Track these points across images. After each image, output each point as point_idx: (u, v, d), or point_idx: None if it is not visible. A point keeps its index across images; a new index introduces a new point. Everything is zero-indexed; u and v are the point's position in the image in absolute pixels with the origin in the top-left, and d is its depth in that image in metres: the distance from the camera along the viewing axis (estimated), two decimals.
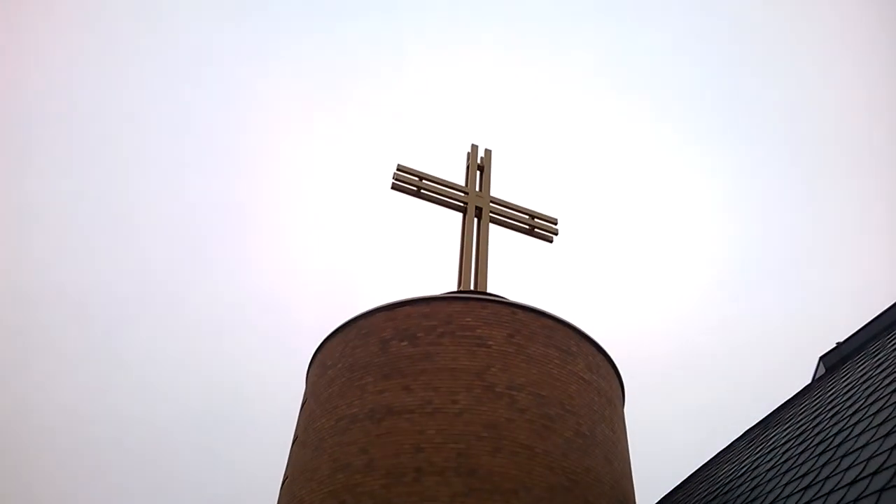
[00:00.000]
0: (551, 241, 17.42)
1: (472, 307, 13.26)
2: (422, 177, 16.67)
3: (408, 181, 16.61)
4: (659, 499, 10.42)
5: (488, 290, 14.90)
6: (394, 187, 16.55)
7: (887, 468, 5.28)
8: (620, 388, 14.63)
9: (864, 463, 5.67)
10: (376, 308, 13.62)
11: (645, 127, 48.81)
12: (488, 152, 18.05)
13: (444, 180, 16.85)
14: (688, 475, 10.00)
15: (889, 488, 4.97)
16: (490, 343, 12.64)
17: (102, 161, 41.97)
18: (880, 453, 5.59)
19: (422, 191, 16.62)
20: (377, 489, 11.13)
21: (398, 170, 16.61)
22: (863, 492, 5.25)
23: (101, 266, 41.98)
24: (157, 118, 44.37)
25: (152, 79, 43.35)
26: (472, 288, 15.14)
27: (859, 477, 5.53)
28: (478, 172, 17.67)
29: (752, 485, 7.14)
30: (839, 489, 5.59)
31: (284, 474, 13.22)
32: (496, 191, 17.34)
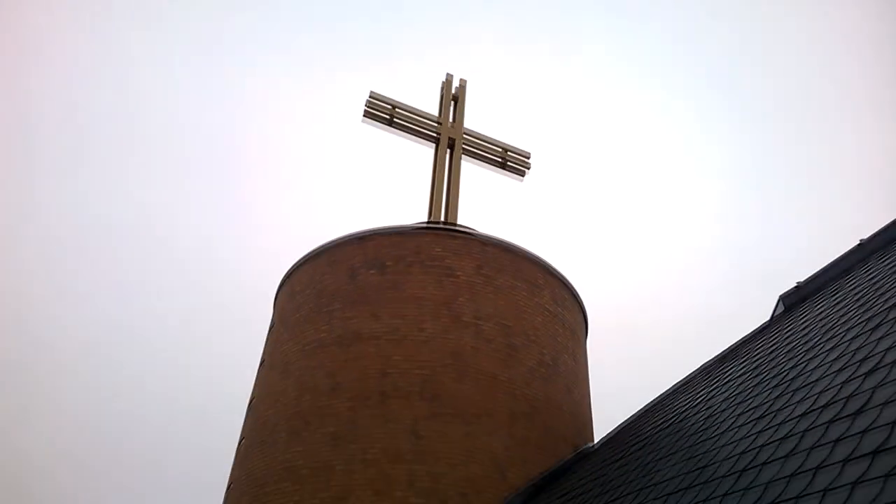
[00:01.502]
0: (523, 176, 17.40)
1: (441, 239, 13.30)
2: (395, 106, 16.41)
3: (380, 109, 16.34)
4: (616, 427, 10.80)
5: (458, 223, 14.92)
6: (366, 115, 16.29)
7: (836, 402, 5.50)
8: (584, 322, 14.93)
9: (815, 397, 5.91)
10: (346, 237, 13.59)
11: (624, 66, 48.43)
12: (463, 83, 17.77)
13: (418, 110, 16.61)
14: (644, 407, 10.34)
15: (837, 420, 5.20)
16: (458, 274, 12.74)
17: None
18: (831, 388, 5.82)
19: (394, 120, 16.38)
20: (343, 411, 11.34)
21: (371, 98, 16.32)
22: (812, 423, 5.48)
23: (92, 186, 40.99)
24: (142, 51, 42.74)
25: None
26: (442, 220, 15.14)
27: (809, 410, 5.76)
28: (452, 103, 17.43)
29: (706, 415, 7.41)
30: (789, 420, 5.82)
31: (251, 395, 13.38)
32: (470, 123, 17.17)
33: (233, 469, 12.56)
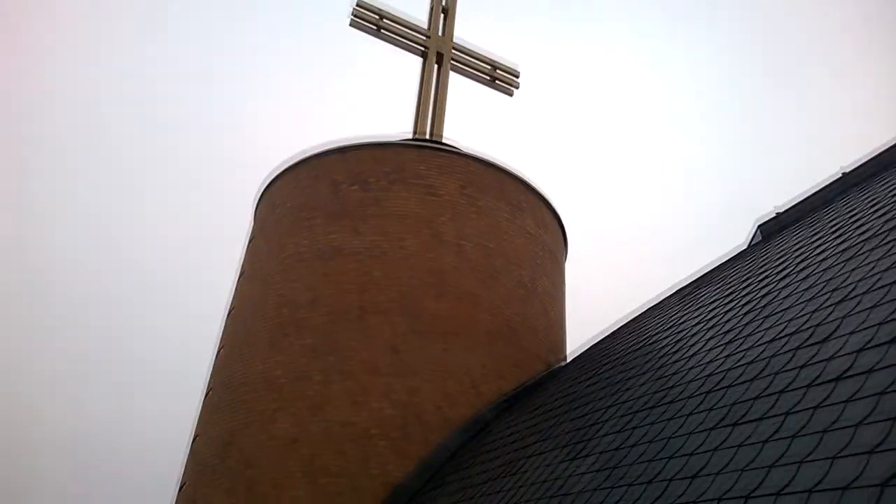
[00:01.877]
0: (511, 95, 17.11)
1: (425, 155, 13.16)
2: (382, 15, 15.90)
3: (367, 19, 15.84)
4: (587, 346, 11.03)
5: (444, 140, 14.73)
6: (352, 24, 15.80)
7: (805, 329, 5.61)
8: (564, 245, 15.02)
9: (785, 324, 6.02)
10: (328, 149, 13.39)
11: None
12: None
13: (406, 21, 16.11)
14: (616, 327, 10.53)
15: (804, 346, 5.32)
16: (441, 193, 12.67)
17: None
18: (801, 316, 5.93)
19: (381, 30, 15.90)
20: (321, 324, 11.46)
21: (358, 6, 15.79)
22: (779, 349, 5.60)
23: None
24: None
25: None
26: (427, 136, 14.94)
27: (778, 336, 5.87)
28: (442, 15, 16.92)
29: (677, 337, 7.56)
30: (758, 345, 5.95)
31: (230, 306, 13.45)
32: (460, 36, 16.72)
33: (211, 375, 12.75)
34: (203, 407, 12.45)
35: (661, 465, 5.25)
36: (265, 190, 14.36)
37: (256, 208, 14.62)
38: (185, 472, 11.84)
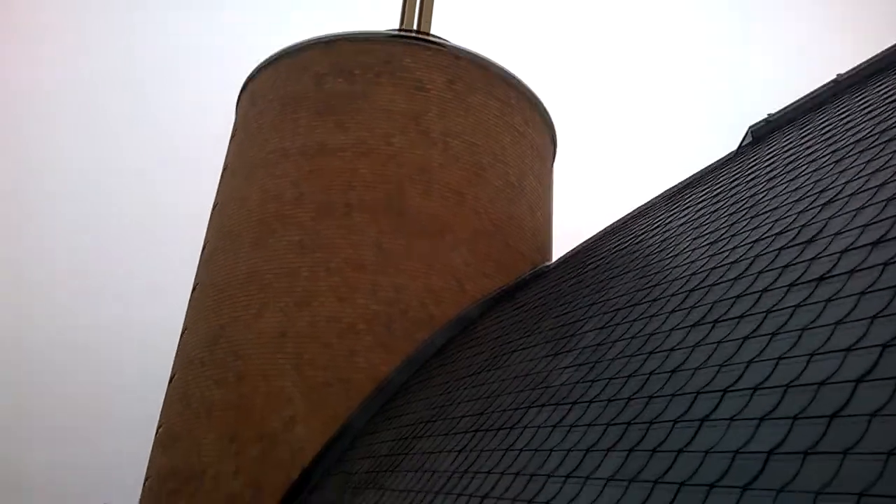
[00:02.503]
0: None
1: (413, 49, 12.76)
2: None
3: None
4: (574, 248, 11.10)
5: (431, 33, 14.25)
6: None
7: (790, 230, 5.64)
8: (552, 145, 14.86)
9: (770, 225, 6.05)
10: (312, 41, 12.95)
11: None
12: None
13: None
14: (603, 229, 10.58)
15: (788, 247, 5.36)
16: (429, 87, 12.38)
17: None
18: (787, 217, 5.95)
19: None
20: (307, 221, 11.42)
21: None
22: (763, 249, 5.64)
23: None
24: None
25: None
26: (414, 29, 14.44)
27: (763, 236, 5.91)
28: None
29: (662, 238, 7.61)
30: (742, 246, 6.00)
31: (214, 201, 13.33)
32: None
33: (198, 271, 12.78)
34: (190, 302, 12.55)
35: (640, 361, 5.38)
36: (247, 83, 13.96)
37: (238, 102, 14.26)
38: (174, 365, 12.06)
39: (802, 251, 5.13)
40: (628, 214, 10.28)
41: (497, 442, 6.17)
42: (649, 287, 6.54)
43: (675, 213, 8.27)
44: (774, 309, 4.66)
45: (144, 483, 11.06)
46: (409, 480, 7.02)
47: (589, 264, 8.89)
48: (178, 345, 12.22)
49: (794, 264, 5.05)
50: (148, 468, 11.21)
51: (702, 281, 5.87)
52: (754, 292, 5.07)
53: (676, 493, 3.86)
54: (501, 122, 12.91)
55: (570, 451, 5.06)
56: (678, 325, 5.47)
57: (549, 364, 6.71)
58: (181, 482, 10.31)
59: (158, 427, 11.49)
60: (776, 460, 3.48)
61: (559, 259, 11.61)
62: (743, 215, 6.63)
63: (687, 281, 6.07)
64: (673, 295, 6.02)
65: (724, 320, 5.03)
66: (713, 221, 7.00)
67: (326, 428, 10.26)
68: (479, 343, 9.38)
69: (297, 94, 12.57)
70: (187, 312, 12.45)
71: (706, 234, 6.84)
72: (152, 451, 11.36)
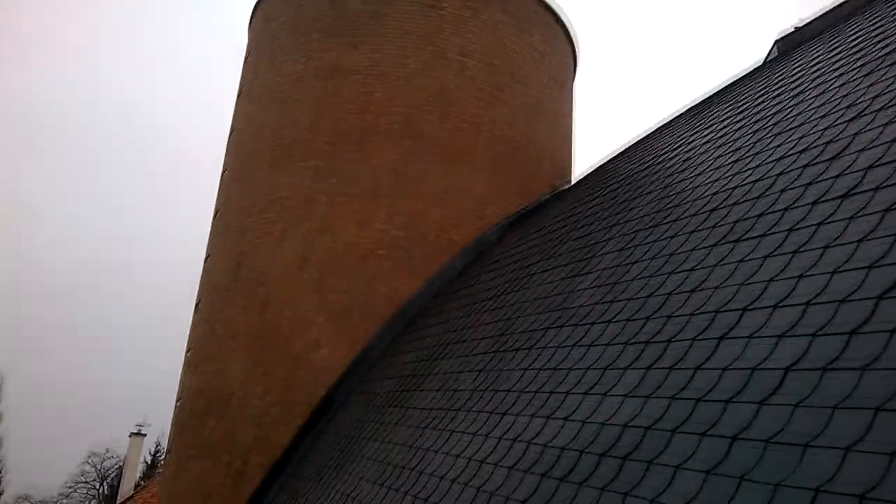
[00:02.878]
0: None
1: None
2: None
3: None
4: (593, 167, 10.97)
5: None
6: None
7: (816, 146, 5.52)
8: (573, 62, 14.51)
9: (795, 141, 5.91)
10: None
11: None
12: None
13: None
14: (623, 147, 10.41)
15: (813, 164, 5.25)
16: (444, 5, 12.04)
17: None
18: (812, 133, 5.81)
19: None
20: (323, 146, 11.35)
21: None
22: (788, 166, 5.54)
23: None
24: None
25: None
26: None
27: (788, 153, 5.79)
28: None
29: (685, 157, 7.48)
30: (767, 163, 5.89)
31: (231, 127, 13.26)
32: None
33: (218, 197, 12.84)
34: (212, 228, 12.65)
35: (661, 281, 5.39)
36: (258, 4, 13.66)
37: (251, 24, 13.99)
38: (199, 290, 12.27)
39: (828, 167, 5.03)
40: (650, 131, 10.10)
41: (517, 362, 6.27)
42: (671, 207, 6.48)
43: (698, 130, 8.10)
44: (798, 227, 4.61)
45: (177, 403, 11.43)
46: (431, 399, 7.19)
47: (610, 184, 8.80)
48: (203, 270, 12.39)
49: (819, 181, 4.96)
50: (179, 390, 11.57)
51: (724, 199, 5.79)
52: (777, 210, 5.00)
53: (693, 407, 3.93)
54: (519, 40, 12.59)
55: (588, 368, 5.14)
56: (699, 244, 5.44)
57: (569, 286, 6.74)
58: (211, 403, 10.66)
59: (187, 350, 11.79)
60: (794, 376, 3.51)
61: (579, 180, 11.50)
62: (768, 132, 6.49)
63: (709, 200, 6.00)
64: (694, 214, 5.97)
65: (746, 239, 4.98)
66: (738, 139, 6.86)
67: (349, 350, 10.48)
68: (498, 266, 9.42)
69: (309, 15, 12.29)
70: (210, 239, 12.58)
71: (730, 151, 6.72)
72: (182, 373, 11.69)
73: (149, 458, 39.47)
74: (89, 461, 42.71)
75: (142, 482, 27.91)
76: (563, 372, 5.41)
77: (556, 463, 4.55)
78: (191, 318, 12.15)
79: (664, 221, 6.29)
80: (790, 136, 6.06)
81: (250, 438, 10.24)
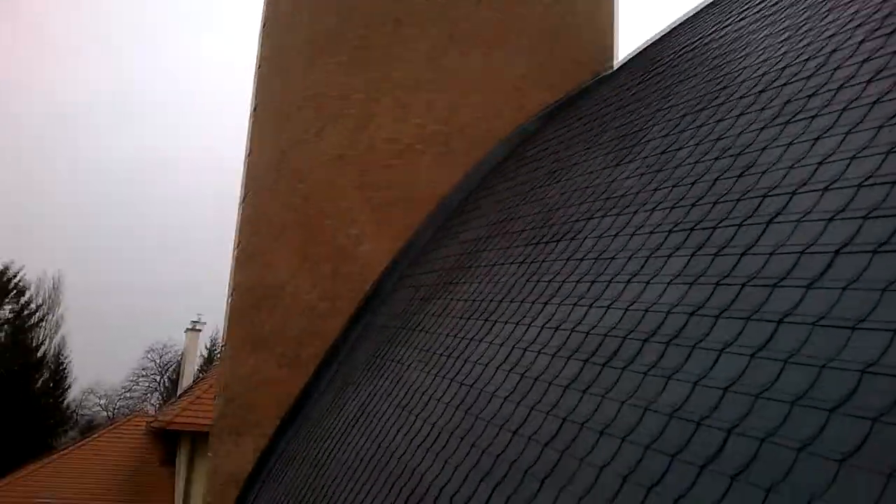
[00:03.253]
0: None
1: None
2: None
3: None
4: (636, 50, 10.57)
5: None
6: None
7: (872, 20, 5.22)
8: None
9: (851, 16, 5.60)
10: None
11: None
12: None
13: None
14: (668, 28, 9.97)
15: (870, 39, 4.98)
16: None
17: None
18: (868, 7, 5.48)
19: None
20: (356, 39, 11.12)
21: None
22: (843, 42, 5.27)
23: None
24: None
25: None
26: None
27: (843, 29, 5.50)
28: None
29: (734, 36, 7.15)
30: (820, 40, 5.61)
31: (262, 19, 13.01)
32: None
33: (255, 92, 12.75)
34: (252, 125, 12.67)
35: (707, 166, 5.29)
36: None
37: None
38: (243, 187, 12.43)
39: (886, 41, 4.77)
40: (696, 10, 9.63)
41: (559, 251, 6.31)
42: (718, 90, 6.27)
43: (747, 8, 7.70)
44: (852, 105, 4.43)
45: (229, 299, 11.85)
46: (475, 290, 7.33)
47: (654, 68, 8.50)
48: (245, 167, 12.51)
49: (875, 57, 4.72)
50: (230, 285, 11.96)
51: (774, 80, 5.58)
52: (830, 89, 4.81)
53: (739, 291, 3.94)
54: None
55: (632, 256, 5.15)
56: (748, 127, 5.29)
57: (612, 174, 6.66)
58: (261, 298, 11.03)
59: (236, 246, 12.09)
60: (843, 259, 3.48)
61: (622, 64, 11.12)
62: (822, 6, 6.14)
63: (759, 81, 5.77)
64: (743, 96, 5.77)
65: (796, 120, 4.83)
66: (790, 16, 6.51)
67: (392, 245, 10.65)
68: (538, 156, 9.32)
69: None
70: (250, 134, 12.62)
71: (781, 29, 6.40)
72: (232, 269, 12.05)
73: (205, 352, 41.37)
74: (149, 356, 44.96)
75: (200, 374, 29.37)
76: (606, 260, 5.44)
77: (599, 348, 4.66)
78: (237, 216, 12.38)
79: (711, 105, 6.11)
80: (846, 10, 5.73)
81: (301, 330, 10.64)
